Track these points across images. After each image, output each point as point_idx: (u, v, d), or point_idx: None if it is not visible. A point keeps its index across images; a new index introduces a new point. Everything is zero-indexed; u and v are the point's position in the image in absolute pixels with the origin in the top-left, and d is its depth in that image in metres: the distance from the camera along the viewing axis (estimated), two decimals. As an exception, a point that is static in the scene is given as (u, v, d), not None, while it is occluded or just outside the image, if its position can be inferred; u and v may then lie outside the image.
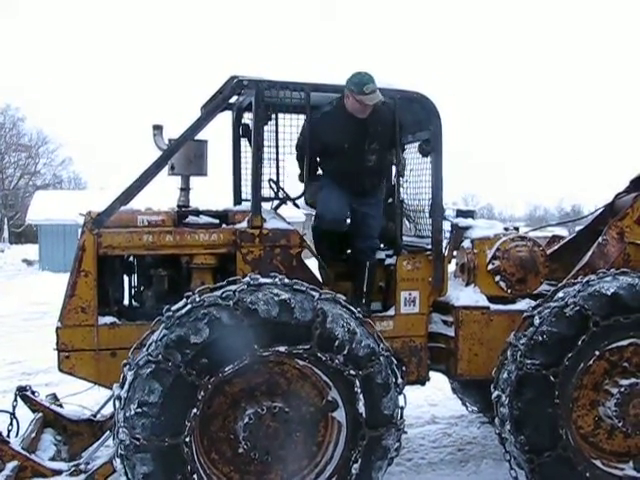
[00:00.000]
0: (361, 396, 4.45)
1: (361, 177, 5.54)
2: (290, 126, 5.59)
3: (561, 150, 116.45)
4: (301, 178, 5.65)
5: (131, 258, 5.38)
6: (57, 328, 4.99)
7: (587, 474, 4.89)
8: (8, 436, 5.25)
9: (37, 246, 33.20)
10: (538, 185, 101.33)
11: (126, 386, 4.22)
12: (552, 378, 4.81)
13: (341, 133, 5.38)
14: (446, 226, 5.99)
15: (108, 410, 5.94)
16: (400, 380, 4.64)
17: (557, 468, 4.85)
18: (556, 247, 6.69)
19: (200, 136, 5.35)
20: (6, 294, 19.62)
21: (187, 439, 4.21)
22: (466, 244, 5.82)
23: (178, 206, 5.58)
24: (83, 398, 6.18)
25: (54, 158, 51.31)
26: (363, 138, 5.45)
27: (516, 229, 6.09)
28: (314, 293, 4.45)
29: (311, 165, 5.51)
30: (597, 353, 4.99)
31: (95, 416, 6.06)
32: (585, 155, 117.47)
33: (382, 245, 5.88)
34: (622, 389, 5.01)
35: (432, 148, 5.50)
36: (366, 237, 5.63)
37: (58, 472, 4.85)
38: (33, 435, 5.38)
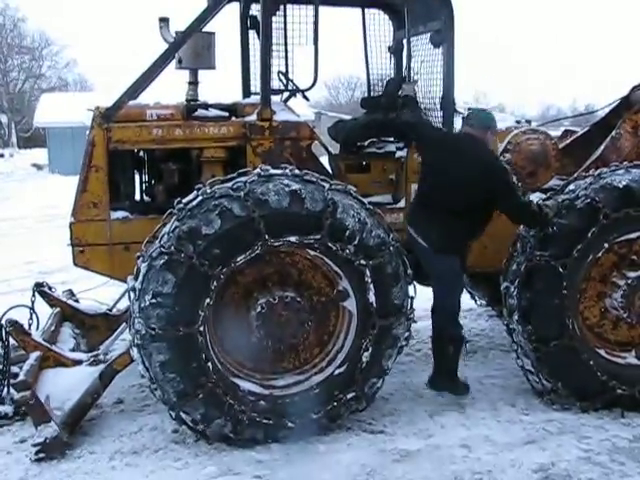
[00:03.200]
0: (371, 286, 4.51)
1: None
2: (299, 16, 5.46)
3: (575, 49, 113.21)
4: None
5: (141, 153, 5.38)
6: (70, 223, 5.05)
7: (591, 362, 5.01)
8: (29, 329, 5.39)
9: (46, 150, 33.13)
10: (551, 84, 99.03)
11: (140, 278, 4.30)
12: (561, 269, 4.85)
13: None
14: (457, 124, 5.92)
15: (123, 304, 6.07)
16: (410, 271, 4.69)
17: (563, 357, 4.96)
18: (568, 141, 6.61)
19: (208, 28, 5.24)
20: (18, 198, 19.80)
21: (201, 328, 4.31)
22: (477, 137, 5.74)
23: (187, 100, 5.52)
24: (98, 294, 6.32)
25: (58, 60, 50.38)
26: None
27: (528, 122, 6.01)
28: (325, 184, 4.45)
29: None
30: (606, 246, 5.01)
31: (111, 310, 6.22)
32: (599, 54, 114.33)
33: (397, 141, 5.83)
34: (629, 281, 5.06)
35: (443, 38, 5.37)
36: None
37: (78, 362, 5.04)
38: (52, 328, 5.56)
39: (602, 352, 5.18)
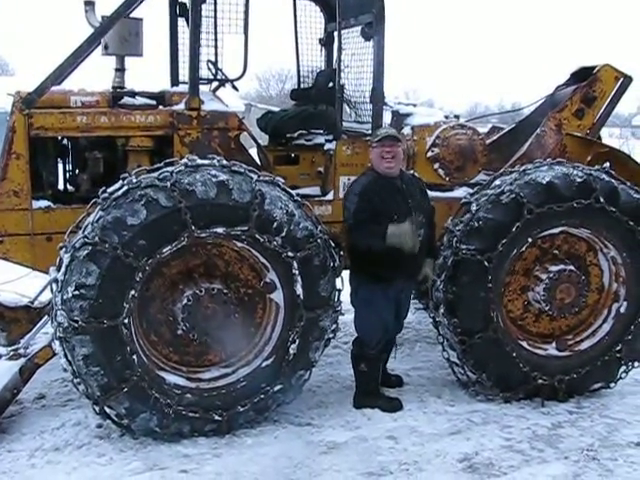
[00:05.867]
0: (299, 278, 4.51)
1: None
2: (229, 5, 5.40)
3: (502, 47, 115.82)
4: None
5: (65, 140, 5.23)
6: None
7: (514, 354, 5.13)
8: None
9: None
10: (479, 82, 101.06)
11: (63, 269, 4.20)
12: (486, 263, 4.94)
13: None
14: (387, 118, 5.96)
15: (46, 297, 5.89)
16: (337, 263, 4.70)
17: (487, 348, 5.07)
18: (495, 137, 6.75)
19: (135, 14, 5.14)
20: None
21: (126, 321, 4.24)
22: (406, 131, 5.81)
23: (113, 87, 5.40)
24: (19, 285, 6.12)
25: (-25, 42, 48.57)
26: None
27: (457, 117, 6.09)
28: (253, 175, 4.42)
29: None
30: (530, 240, 5.12)
31: (32, 303, 6.01)
32: (526, 53, 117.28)
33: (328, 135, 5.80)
34: (551, 275, 5.19)
35: (374, 32, 5.38)
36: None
37: (-3, 356, 4.86)
38: (-31, 322, 5.34)
39: (524, 344, 5.31)
